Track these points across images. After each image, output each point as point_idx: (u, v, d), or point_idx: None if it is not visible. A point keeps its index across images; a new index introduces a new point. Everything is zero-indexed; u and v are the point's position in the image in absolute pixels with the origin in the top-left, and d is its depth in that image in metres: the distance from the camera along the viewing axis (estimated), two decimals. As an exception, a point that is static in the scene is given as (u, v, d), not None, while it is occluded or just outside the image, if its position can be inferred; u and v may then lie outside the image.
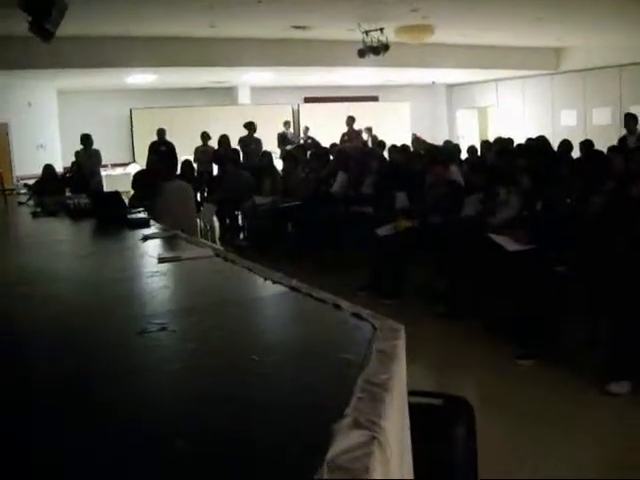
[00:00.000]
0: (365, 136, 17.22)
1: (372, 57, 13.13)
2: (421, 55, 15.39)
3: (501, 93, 20.34)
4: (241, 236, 10.06)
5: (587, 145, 9.23)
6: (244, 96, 19.02)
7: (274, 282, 3.04)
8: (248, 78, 17.36)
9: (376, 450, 1.47)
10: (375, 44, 12.91)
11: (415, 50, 14.44)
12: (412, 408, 2.65)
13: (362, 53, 13.02)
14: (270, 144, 15.34)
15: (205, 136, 13.50)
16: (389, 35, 12.81)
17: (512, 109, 19.77)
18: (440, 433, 2.72)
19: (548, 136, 12.37)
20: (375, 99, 21.59)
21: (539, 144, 9.42)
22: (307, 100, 20.65)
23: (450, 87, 22.03)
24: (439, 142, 15.02)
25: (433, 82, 20.53)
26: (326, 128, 17.64)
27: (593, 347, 4.72)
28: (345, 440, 1.47)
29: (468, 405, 2.87)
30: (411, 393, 2.89)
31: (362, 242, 6.92)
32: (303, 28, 13.15)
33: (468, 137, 19.84)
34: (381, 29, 12.74)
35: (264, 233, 8.89)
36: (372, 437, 1.51)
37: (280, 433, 1.60)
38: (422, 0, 10.86)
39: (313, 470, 1.34)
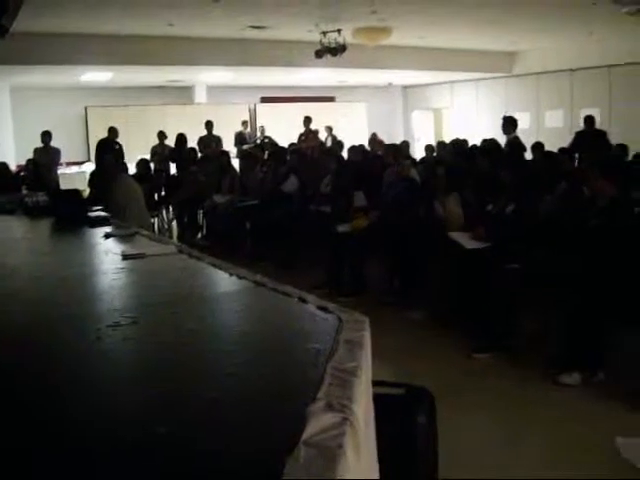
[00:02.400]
0: (325, 135, 17.37)
1: (329, 58, 13.24)
2: (378, 56, 15.51)
3: (456, 95, 20.62)
4: (200, 235, 10.06)
5: (539, 147, 9.45)
6: (201, 95, 19.00)
7: (239, 277, 3.10)
8: (205, 77, 17.34)
9: (348, 430, 1.55)
10: (332, 45, 13.01)
11: (372, 51, 14.55)
12: (376, 398, 2.75)
13: (319, 54, 13.11)
14: (228, 143, 15.40)
15: (161, 135, 13.45)
16: (346, 36, 12.92)
17: (467, 111, 20.06)
18: (403, 421, 2.82)
19: (502, 138, 12.65)
20: (332, 99, 21.72)
21: (491, 146, 9.61)
22: (264, 100, 20.68)
23: (406, 88, 22.26)
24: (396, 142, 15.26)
25: (389, 83, 20.72)
26: (283, 128, 17.71)
27: (546, 341, 4.87)
28: (319, 421, 1.55)
29: (429, 394, 2.98)
30: (375, 383, 3.00)
31: (319, 241, 6.99)
32: (261, 28, 13.20)
33: (424, 138, 20.07)
34: (339, 30, 12.84)
35: (222, 232, 8.92)
36: (344, 418, 1.59)
37: (254, 418, 1.66)
38: (380, 3, 10.99)
39: (289, 450, 1.40)
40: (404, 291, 6.11)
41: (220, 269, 3.32)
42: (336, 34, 12.93)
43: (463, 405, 4.40)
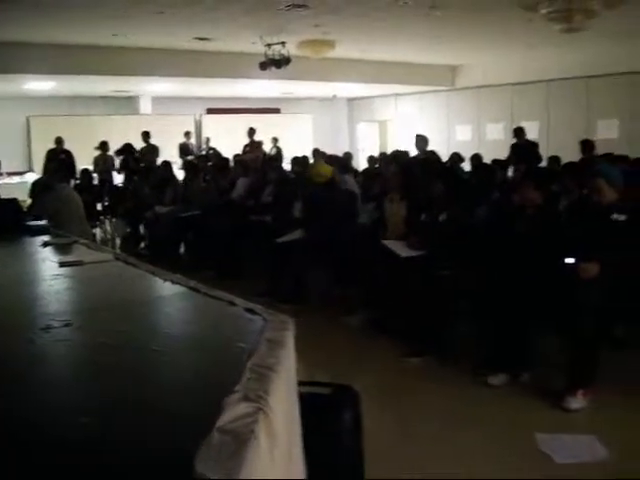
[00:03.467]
0: (270, 146, 17.51)
1: (274, 70, 13.39)
2: (322, 69, 15.71)
3: (400, 107, 20.94)
4: (142, 245, 10.08)
5: (475, 159, 9.73)
6: (146, 106, 18.96)
7: (174, 283, 3.20)
8: (150, 88, 17.31)
9: (261, 419, 1.67)
10: (277, 57, 13.16)
11: (316, 64, 14.72)
12: (303, 396, 2.89)
13: (264, 66, 13.24)
14: (172, 154, 15.45)
15: (103, 145, 13.42)
16: (291, 49, 13.09)
17: (410, 123, 20.36)
18: (328, 418, 2.95)
19: (444, 150, 12.93)
20: (277, 111, 21.85)
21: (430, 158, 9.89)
22: (210, 111, 20.71)
23: (351, 100, 22.52)
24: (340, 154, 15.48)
25: (334, 95, 20.94)
26: (228, 139, 17.77)
27: (476, 344, 5.05)
28: (234, 411, 1.66)
29: (355, 393, 3.12)
30: (303, 383, 3.13)
31: (261, 250, 7.10)
32: (206, 40, 13.27)
33: (369, 150, 20.30)
34: (283, 43, 12.99)
35: (164, 242, 8.96)
36: (258, 408, 1.71)
37: (176, 412, 1.77)
38: (324, 16, 11.17)
39: (205, 436, 1.52)
40: (343, 298, 6.26)
41: (155, 275, 3.41)
42: (280, 46, 13.07)
43: (393, 405, 4.63)
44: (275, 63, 13.21)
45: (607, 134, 15.42)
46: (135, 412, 1.74)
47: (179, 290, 3.08)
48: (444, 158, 10.99)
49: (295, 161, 10.06)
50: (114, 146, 13.68)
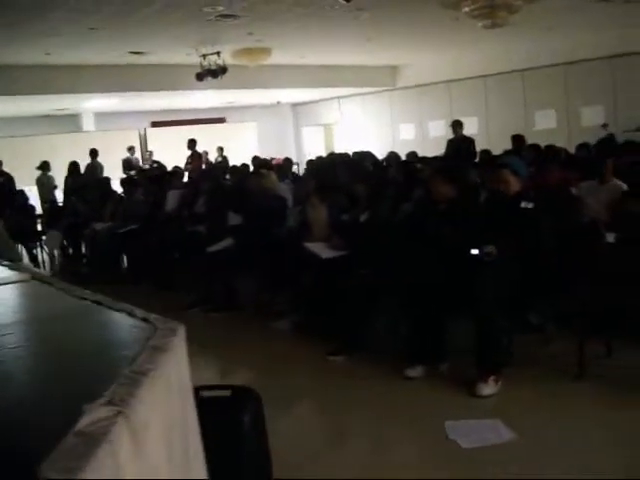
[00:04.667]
0: (215, 156, 17.59)
1: (211, 80, 13.46)
2: (261, 76, 15.76)
3: (344, 110, 21.11)
4: (83, 262, 10.07)
5: (391, 157, 9.90)
6: (88, 123, 18.88)
7: (81, 299, 3.25)
8: (91, 104, 17.25)
9: (121, 421, 1.74)
10: (213, 67, 13.23)
11: (255, 71, 14.79)
12: (205, 400, 2.98)
13: (200, 76, 13.31)
14: (118, 170, 15.46)
15: (45, 165, 13.39)
16: (227, 58, 13.16)
17: (355, 125, 20.57)
18: (228, 420, 3.05)
19: (389, 149, 13.09)
20: (222, 120, 21.89)
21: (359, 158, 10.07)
22: (154, 124, 20.69)
23: (295, 106, 22.65)
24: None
25: (278, 102, 21.05)
26: (174, 151, 17.75)
27: (394, 339, 5.18)
28: (93, 414, 1.74)
29: (255, 394, 3.23)
30: (204, 387, 3.23)
31: (196, 261, 7.16)
32: (140, 54, 13.27)
33: (315, 154, 20.44)
34: (218, 53, 13.06)
35: (104, 258, 8.98)
36: (118, 411, 1.78)
37: (44, 419, 1.83)
38: (256, 24, 11.24)
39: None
40: (271, 303, 6.35)
41: (65, 292, 3.46)
42: (215, 56, 13.14)
43: (316, 404, 4.80)
44: (211, 73, 13.28)
45: (545, 124, 15.76)
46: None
47: (83, 304, 3.14)
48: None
49: (233, 170, 10.12)
50: (58, 165, 13.67)
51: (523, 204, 4.74)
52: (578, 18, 12.44)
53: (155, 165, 15.55)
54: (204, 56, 13.21)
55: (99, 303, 3.19)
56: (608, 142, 8.52)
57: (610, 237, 4.88)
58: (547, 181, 6.36)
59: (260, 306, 6.53)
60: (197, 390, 3.24)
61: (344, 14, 10.95)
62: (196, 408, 2.74)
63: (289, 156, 18.81)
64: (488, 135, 16.34)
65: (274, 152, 19.46)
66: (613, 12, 11.80)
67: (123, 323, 2.85)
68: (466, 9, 9.76)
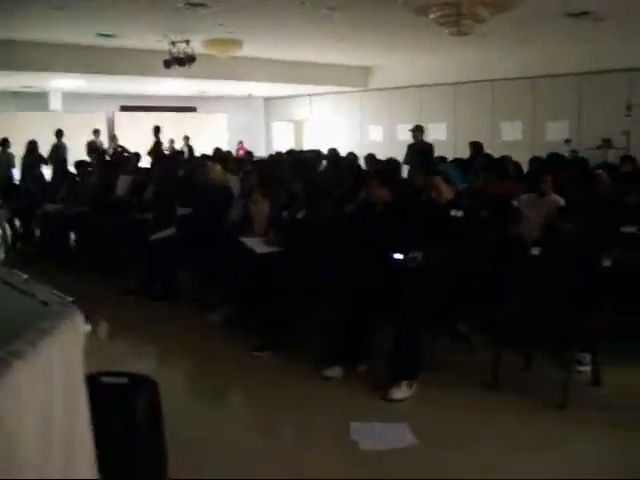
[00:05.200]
0: (181, 145, 17.53)
1: (185, 68, 13.37)
2: (232, 68, 15.68)
3: (315, 107, 21.11)
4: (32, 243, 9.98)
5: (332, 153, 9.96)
6: (56, 102, 18.66)
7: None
8: (59, 84, 17.05)
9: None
10: (181, 55, 13.15)
11: (226, 63, 14.72)
12: (101, 386, 2.99)
13: (168, 64, 13.22)
14: (83, 152, 15.34)
15: (4, 142, 13.25)
16: (197, 47, 13.09)
17: (325, 123, 20.58)
18: (123, 406, 3.06)
19: (357, 150, 13.11)
20: (193, 110, 21.80)
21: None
22: (123, 109, 20.53)
23: (267, 100, 22.60)
24: (256, 154, 15.63)
25: (250, 94, 21.00)
26: (143, 137, 17.59)
27: (316, 338, 5.19)
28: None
29: (152, 383, 3.24)
30: (104, 374, 3.23)
31: (140, 248, 7.12)
32: (110, 36, 13.16)
33: (283, 149, 20.43)
34: (187, 41, 12.99)
35: (52, 241, 8.91)
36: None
37: None
38: (226, 15, 11.20)
39: None
40: (208, 295, 6.33)
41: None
42: (185, 45, 13.05)
43: (235, 399, 4.88)
44: (179, 61, 13.18)
45: (511, 136, 15.90)
46: None
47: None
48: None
49: (186, 160, 10.07)
50: (23, 144, 13.51)
51: (453, 212, 4.78)
52: (549, 32, 12.57)
53: (119, 150, 15.40)
54: (173, 43, 13.12)
55: (7, 283, 3.18)
56: (554, 158, 8.58)
57: (535, 251, 4.93)
58: (488, 191, 6.41)
59: (197, 297, 6.50)
60: (96, 376, 3.25)
61: (315, 12, 10.95)
62: (92, 394, 2.75)
63: (260, 150, 18.95)
64: (455, 142, 16.41)
65: (245, 145, 19.51)
66: (583, 28, 11.94)
67: (20, 305, 2.84)
68: (432, 15, 9.80)
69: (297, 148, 19.93)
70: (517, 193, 6.48)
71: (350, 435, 3.89)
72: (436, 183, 4.90)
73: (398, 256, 4.60)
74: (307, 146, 19.13)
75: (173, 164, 9.64)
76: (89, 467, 2.72)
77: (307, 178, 6.04)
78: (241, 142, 19.80)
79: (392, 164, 7.87)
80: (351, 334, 4.75)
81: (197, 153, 15.12)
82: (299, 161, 8.65)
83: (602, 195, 6.36)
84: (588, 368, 4.65)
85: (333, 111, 20.50)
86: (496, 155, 10.19)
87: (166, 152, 16.01)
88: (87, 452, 2.69)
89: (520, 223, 5.92)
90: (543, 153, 10.13)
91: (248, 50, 14.39)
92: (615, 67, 13.78)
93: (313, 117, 21.20)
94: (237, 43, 13.96)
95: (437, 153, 11.66)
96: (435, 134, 17.38)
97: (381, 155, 11.38)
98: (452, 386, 4.64)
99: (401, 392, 4.42)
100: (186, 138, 17.73)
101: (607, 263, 4.51)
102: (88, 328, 4.87)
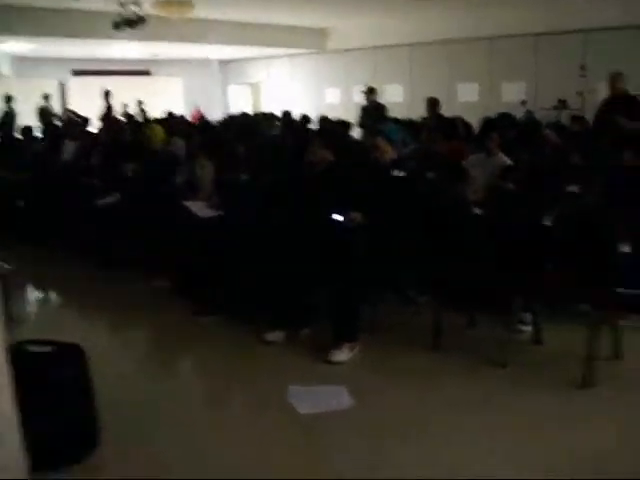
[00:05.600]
0: (135, 109, 17.22)
1: (131, 30, 13.05)
2: (186, 30, 15.36)
3: (272, 70, 20.83)
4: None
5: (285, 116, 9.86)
6: (5, 67, 18.13)
7: None
8: (8, 47, 16.55)
9: None
10: (131, 17, 12.82)
11: (179, 25, 14.40)
12: (27, 355, 2.93)
13: (118, 25, 12.87)
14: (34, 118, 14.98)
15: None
16: (148, 9, 12.76)
17: (282, 85, 20.33)
18: (47, 374, 2.99)
19: (314, 112, 12.93)
20: (147, 73, 21.38)
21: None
22: (76, 73, 20.05)
23: (224, 63, 22.24)
24: (213, 117, 15.40)
25: (206, 57, 20.64)
26: (96, 102, 17.23)
27: (255, 303, 5.12)
28: None
29: (80, 350, 3.17)
30: (29, 342, 3.16)
31: (88, 214, 6.95)
32: (56, -3, 12.81)
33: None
34: (136, 2, 12.65)
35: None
36: None
37: None
38: (177, -25, 10.95)
39: None
40: (149, 261, 6.19)
41: None
42: (134, 6, 12.71)
43: (175, 364, 4.78)
44: (129, 23, 12.85)
45: (468, 97, 15.83)
46: None
47: None
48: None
49: (133, 124, 9.85)
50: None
51: (395, 172, 4.72)
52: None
53: (70, 115, 15.05)
54: (122, 4, 12.77)
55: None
56: (503, 117, 8.55)
57: (477, 211, 4.89)
58: (436, 151, 6.36)
59: (143, 263, 6.35)
60: (22, 345, 3.17)
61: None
62: (17, 362, 2.69)
63: (216, 113, 18.65)
64: (412, 104, 16.30)
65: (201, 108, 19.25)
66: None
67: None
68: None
69: (254, 111, 19.74)
70: (466, 154, 6.42)
71: (287, 398, 3.84)
72: (378, 143, 4.81)
73: (337, 217, 4.52)
74: (265, 109, 18.89)
75: (120, 128, 9.39)
76: (15, 440, 2.68)
77: (251, 141, 5.90)
78: (196, 105, 19.51)
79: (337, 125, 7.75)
80: (292, 297, 4.69)
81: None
82: (244, 124, 8.47)
83: (549, 155, 6.33)
84: (530, 328, 4.66)
85: (290, 74, 20.24)
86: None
87: (119, 117, 15.68)
88: (8, 416, 2.64)
89: (468, 184, 5.88)
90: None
91: (201, 11, 14.08)
92: (570, 28, 13.72)
93: (270, 80, 20.92)
94: (188, 4, 13.63)
95: (394, 114, 11.56)
96: (392, 96, 17.24)
97: (337, 117, 11.31)
98: (395, 348, 4.62)
99: (342, 354, 4.38)
100: (139, 102, 17.39)
101: (548, 222, 4.49)
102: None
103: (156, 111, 16.47)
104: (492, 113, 11.99)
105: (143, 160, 7.10)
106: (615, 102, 7.92)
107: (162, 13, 13.53)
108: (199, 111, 18.77)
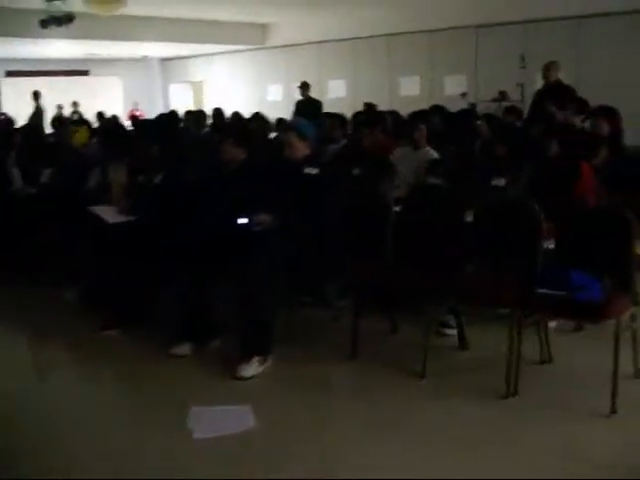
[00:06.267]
0: (70, 110, 16.73)
1: (60, 28, 12.59)
2: (120, 27, 14.92)
3: (213, 68, 20.41)
4: None
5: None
6: None
7: None
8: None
9: None
10: (58, 14, 12.35)
11: (113, 22, 13.95)
12: None
13: (45, 23, 12.42)
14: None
15: None
16: (78, 6, 12.28)
17: (224, 83, 19.94)
18: None
19: (257, 110, 12.54)
20: (85, 73, 20.81)
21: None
22: (9, 74, 19.40)
23: (164, 61, 21.77)
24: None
25: (144, 56, 20.15)
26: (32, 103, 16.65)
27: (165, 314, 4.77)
28: None
29: None
30: None
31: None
32: (-18, -5, 12.28)
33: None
34: (64, -1, 12.19)
35: None
36: None
37: None
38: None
39: None
40: (57, 269, 5.78)
41: None
42: (61, 3, 12.25)
43: (78, 379, 4.38)
44: (57, 21, 12.39)
45: (410, 91, 15.62)
46: None
47: None
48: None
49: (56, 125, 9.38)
50: None
51: (307, 170, 4.40)
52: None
53: (2, 117, 14.48)
54: (49, 1, 12.29)
55: None
56: (439, 110, 8.33)
57: (396, 208, 4.59)
58: (362, 146, 6.07)
59: (54, 272, 5.92)
60: None
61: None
62: None
63: (156, 113, 18.14)
64: (355, 99, 16.05)
65: (142, 108, 18.80)
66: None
67: None
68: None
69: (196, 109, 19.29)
70: (393, 148, 6.14)
71: (187, 421, 3.48)
72: (288, 139, 4.48)
73: (242, 220, 4.17)
74: (207, 108, 18.46)
75: (34, 129, 8.93)
76: None
77: (165, 141, 5.54)
78: (135, 105, 19.03)
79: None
80: (199, 308, 4.34)
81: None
82: (158, 123, 8.09)
83: (479, 148, 6.09)
84: (455, 331, 4.38)
85: (232, 71, 19.83)
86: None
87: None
88: None
89: (394, 179, 5.62)
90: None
91: (135, 9, 13.67)
92: (510, 19, 13.60)
93: (212, 78, 20.48)
94: (119, 0, 13.20)
95: (337, 110, 11.25)
96: (335, 91, 17.01)
97: (279, 114, 11.02)
98: (311, 358, 4.29)
99: (251, 369, 4.01)
100: (74, 104, 16.84)
101: (469, 218, 4.22)
102: None
103: (94, 112, 15.97)
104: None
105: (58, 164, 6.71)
106: (548, 91, 7.75)
107: (92, 10, 13.06)
108: (133, 111, 18.33)
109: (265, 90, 18.76)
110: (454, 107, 10.15)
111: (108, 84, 20.90)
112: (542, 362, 4.06)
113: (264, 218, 4.20)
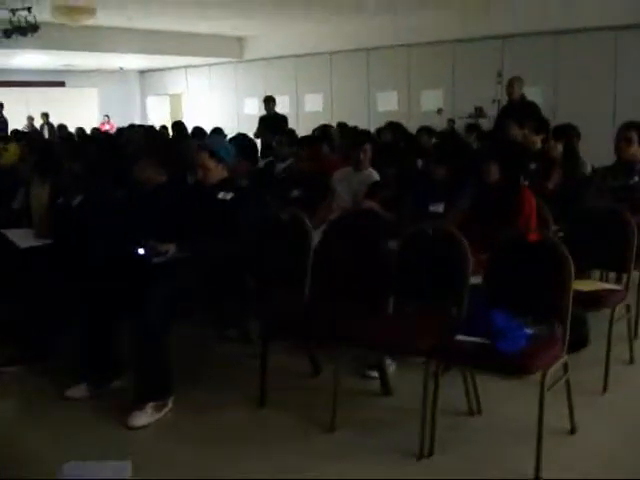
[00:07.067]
0: (40, 122, 16.41)
1: (25, 39, 12.26)
2: (92, 38, 14.62)
3: (191, 80, 20.13)
4: None
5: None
6: None
7: None
8: None
9: None
10: (22, 24, 12.01)
11: (81, 33, 13.63)
12: None
13: (8, 33, 12.08)
14: None
15: None
16: (45, 17, 11.94)
17: (201, 95, 19.66)
18: None
19: (234, 123, 12.24)
20: (62, 84, 20.45)
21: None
22: (-18, 85, 19.03)
23: (142, 73, 21.46)
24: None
25: (120, 68, 19.85)
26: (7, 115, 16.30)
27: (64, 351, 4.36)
28: None
29: None
30: None
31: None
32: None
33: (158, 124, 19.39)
34: (28, 8, 11.83)
35: None
36: None
37: None
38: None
39: None
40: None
41: None
42: (26, 12, 11.90)
43: None
44: (21, 31, 12.05)
45: (388, 106, 15.32)
46: None
47: None
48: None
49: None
50: None
51: (221, 195, 4.02)
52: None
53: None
54: (13, 11, 11.96)
55: None
56: (395, 127, 7.96)
57: (316, 236, 4.20)
58: (300, 168, 5.70)
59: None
60: None
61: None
62: None
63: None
64: (332, 113, 15.80)
65: (119, 120, 18.40)
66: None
67: None
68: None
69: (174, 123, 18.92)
70: (334, 168, 5.74)
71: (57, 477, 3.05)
72: (202, 160, 4.08)
73: (141, 251, 3.76)
74: (186, 121, 18.13)
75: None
76: None
77: (84, 159, 5.15)
78: (107, 117, 18.68)
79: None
80: (98, 344, 3.92)
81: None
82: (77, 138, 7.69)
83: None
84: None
85: (209, 84, 19.54)
86: (373, 127, 9.62)
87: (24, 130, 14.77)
88: None
89: (331, 202, 5.24)
90: (419, 123, 9.54)
91: (111, 20, 13.37)
92: (488, 34, 13.34)
93: (190, 91, 20.18)
94: (89, 10, 12.83)
95: (314, 124, 10.90)
96: (312, 105, 16.71)
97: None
98: (216, 404, 3.85)
99: (144, 417, 3.57)
100: (45, 115, 16.46)
101: (393, 246, 3.82)
102: None
103: (70, 124, 15.60)
104: (412, 122, 11.52)
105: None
106: (511, 108, 7.41)
107: (62, 20, 12.72)
108: (102, 125, 17.98)
109: (242, 103, 18.46)
110: (430, 123, 9.84)
111: (85, 96, 20.59)
112: (470, 413, 3.64)
113: (166, 247, 3.79)
